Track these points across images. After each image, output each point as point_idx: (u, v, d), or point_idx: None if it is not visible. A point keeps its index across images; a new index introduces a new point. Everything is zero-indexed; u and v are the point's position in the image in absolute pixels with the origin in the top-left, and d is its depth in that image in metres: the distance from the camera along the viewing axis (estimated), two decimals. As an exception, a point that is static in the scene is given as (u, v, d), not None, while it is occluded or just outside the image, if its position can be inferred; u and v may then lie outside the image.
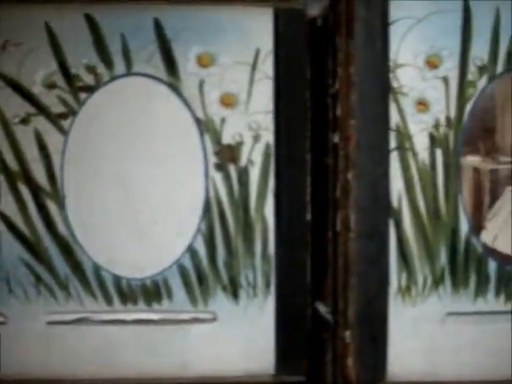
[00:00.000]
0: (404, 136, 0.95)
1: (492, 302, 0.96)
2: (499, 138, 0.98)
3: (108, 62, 0.95)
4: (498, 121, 0.98)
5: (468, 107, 0.97)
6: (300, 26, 0.99)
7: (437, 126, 0.96)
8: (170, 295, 0.97)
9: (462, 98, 0.96)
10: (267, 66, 0.98)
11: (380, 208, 0.94)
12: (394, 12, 0.96)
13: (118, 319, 0.96)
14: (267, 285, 0.98)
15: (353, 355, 0.92)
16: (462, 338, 0.95)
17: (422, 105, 0.96)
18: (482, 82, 0.97)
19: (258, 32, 0.97)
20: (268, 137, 0.98)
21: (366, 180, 0.93)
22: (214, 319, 0.98)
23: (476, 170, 0.97)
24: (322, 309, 0.96)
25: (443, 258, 0.95)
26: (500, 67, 0.98)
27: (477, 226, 0.97)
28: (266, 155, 0.98)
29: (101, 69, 0.95)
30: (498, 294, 0.97)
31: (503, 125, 0.98)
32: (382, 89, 0.95)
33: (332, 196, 0.96)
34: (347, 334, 0.92)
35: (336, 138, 0.96)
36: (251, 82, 0.97)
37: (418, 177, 0.95)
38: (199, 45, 0.97)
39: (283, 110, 0.99)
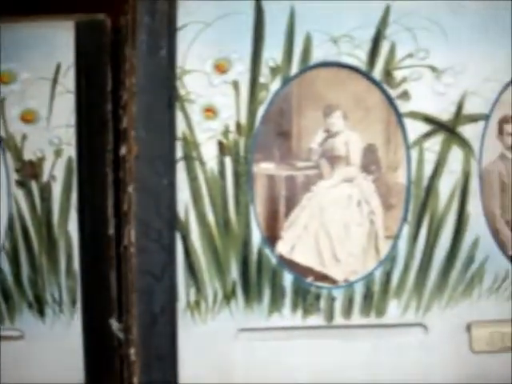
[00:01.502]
0: (191, 145, 0.98)
1: (288, 317, 0.99)
2: (295, 143, 1.00)
3: None
4: (294, 124, 1.00)
5: (260, 111, 0.99)
6: (101, 37, 1.04)
7: (226, 132, 0.99)
8: (-24, 312, 1.03)
9: (253, 103, 0.99)
10: (68, 80, 1.03)
11: (165, 221, 0.98)
12: (182, 17, 0.99)
13: None
14: (73, 302, 1.03)
15: (139, 374, 0.96)
16: (256, 355, 0.97)
17: (210, 111, 0.99)
18: (276, 84, 1.00)
19: (59, 46, 1.03)
20: (70, 151, 1.03)
21: (149, 192, 0.98)
22: (21, 337, 1.04)
23: (270, 178, 1.00)
24: (115, 325, 1.00)
25: (234, 271, 0.98)
26: (295, 68, 1.00)
27: (272, 237, 0.99)
28: (69, 170, 1.03)
29: None
30: (294, 308, 0.99)
31: (299, 128, 1.00)
32: (167, 97, 0.99)
33: (121, 210, 1.01)
34: (132, 351, 0.97)
35: (124, 151, 1.01)
36: (52, 96, 1.03)
37: (206, 187, 0.98)
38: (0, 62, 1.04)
39: (84, 123, 1.04)
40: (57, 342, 1.03)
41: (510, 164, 1.03)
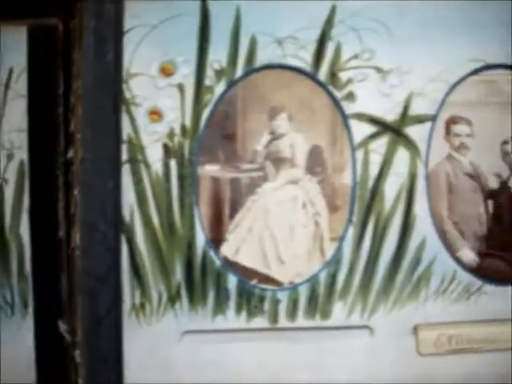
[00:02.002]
0: (136, 148, 1.04)
1: (232, 319, 1.03)
2: (240, 145, 1.04)
3: None
4: (239, 127, 1.04)
5: (205, 114, 1.03)
6: (53, 42, 1.09)
7: (171, 135, 1.04)
8: None
9: (198, 105, 1.05)
10: (20, 85, 1.08)
11: (110, 223, 1.02)
12: (129, 21, 1.04)
13: None
14: (25, 304, 1.08)
15: (84, 375, 1.00)
16: (201, 357, 1.01)
17: (156, 114, 1.04)
18: (221, 86, 1.04)
19: (12, 51, 1.08)
20: (22, 155, 1.08)
21: (94, 195, 1.02)
22: (-25, 339, 1.09)
23: (215, 180, 1.04)
24: (63, 327, 1.05)
25: (179, 273, 1.02)
26: (240, 71, 1.04)
27: (216, 239, 1.03)
28: (20, 173, 1.09)
29: None
30: (238, 310, 1.03)
31: (244, 131, 1.04)
32: (113, 101, 1.03)
33: (68, 213, 1.05)
34: (77, 353, 1.01)
35: (71, 153, 1.05)
36: (4, 101, 1.08)
37: (151, 189, 1.03)
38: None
39: (36, 127, 1.09)
40: (8, 344, 1.07)
41: (457, 165, 1.06)
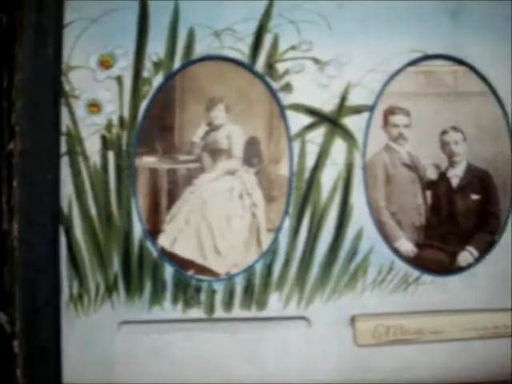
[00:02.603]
0: (75, 140, 1.11)
1: (169, 310, 1.08)
2: (178, 136, 1.10)
3: None
4: (177, 118, 1.10)
5: (143, 106, 1.09)
6: None
7: (109, 127, 1.11)
8: None
9: (136, 97, 1.11)
10: None
11: (48, 215, 1.08)
12: (69, 14, 1.11)
13: None
14: None
15: (21, 366, 1.06)
16: (138, 347, 1.06)
17: (95, 106, 1.11)
18: (159, 78, 1.09)
19: None
20: None
21: (33, 187, 1.08)
22: None
23: (153, 171, 1.10)
24: (3, 318, 1.10)
25: (116, 264, 1.08)
26: (177, 62, 1.09)
27: (154, 230, 1.09)
28: None
29: None
30: (175, 301, 1.08)
31: (182, 122, 1.09)
32: (53, 94, 1.10)
33: (9, 204, 1.11)
34: (15, 343, 1.06)
35: (11, 146, 1.10)
36: None
37: (89, 181, 1.09)
38: None
39: None
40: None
41: (395, 155, 1.11)
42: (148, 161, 1.21)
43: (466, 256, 1.16)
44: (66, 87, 1.15)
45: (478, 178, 1.18)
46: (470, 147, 1.18)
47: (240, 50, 1.18)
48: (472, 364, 1.15)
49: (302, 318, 1.15)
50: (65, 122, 1.17)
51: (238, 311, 1.14)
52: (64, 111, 1.15)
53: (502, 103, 1.18)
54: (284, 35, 1.21)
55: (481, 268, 1.17)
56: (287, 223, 1.15)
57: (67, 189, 1.13)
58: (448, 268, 1.17)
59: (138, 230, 1.13)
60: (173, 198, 1.14)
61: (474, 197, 1.18)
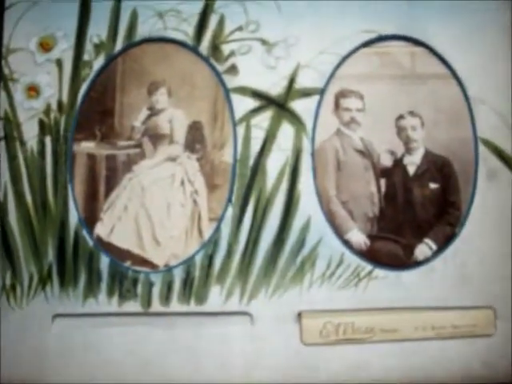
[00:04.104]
0: (13, 124, 1.08)
1: (103, 303, 1.03)
2: (118, 122, 1.07)
3: None
4: (117, 102, 1.06)
5: (83, 89, 1.06)
6: None
7: (47, 111, 1.08)
8: None
9: (76, 81, 1.08)
10: None
11: (-18, 202, 1.05)
12: None
13: None
14: None
15: None
16: (73, 342, 1.02)
17: (33, 90, 1.08)
18: (100, 61, 1.07)
19: None
20: None
21: None
22: None
23: (91, 157, 1.07)
24: None
25: (51, 254, 1.04)
26: (119, 45, 1.06)
27: (90, 218, 1.05)
28: None
29: None
30: (110, 293, 1.04)
31: (122, 106, 1.06)
32: None
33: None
34: None
35: None
36: None
37: (25, 167, 1.05)
38: None
39: None
40: None
41: (347, 141, 1.05)
42: (86, 146, 1.17)
43: (423, 249, 1.09)
44: (6, 70, 1.14)
45: (437, 166, 1.10)
46: (428, 133, 1.11)
47: (184, 31, 1.17)
48: (428, 365, 1.06)
49: (245, 313, 1.09)
50: (3, 106, 1.20)
51: (176, 305, 1.10)
52: (2, 95, 1.18)
53: (463, 86, 1.12)
54: (230, 15, 1.18)
55: (439, 263, 1.09)
56: (230, 212, 1.10)
57: (3, 175, 1.11)
58: (403, 262, 1.09)
59: (73, 218, 1.09)
60: (111, 185, 1.10)
61: (433, 185, 1.12)
